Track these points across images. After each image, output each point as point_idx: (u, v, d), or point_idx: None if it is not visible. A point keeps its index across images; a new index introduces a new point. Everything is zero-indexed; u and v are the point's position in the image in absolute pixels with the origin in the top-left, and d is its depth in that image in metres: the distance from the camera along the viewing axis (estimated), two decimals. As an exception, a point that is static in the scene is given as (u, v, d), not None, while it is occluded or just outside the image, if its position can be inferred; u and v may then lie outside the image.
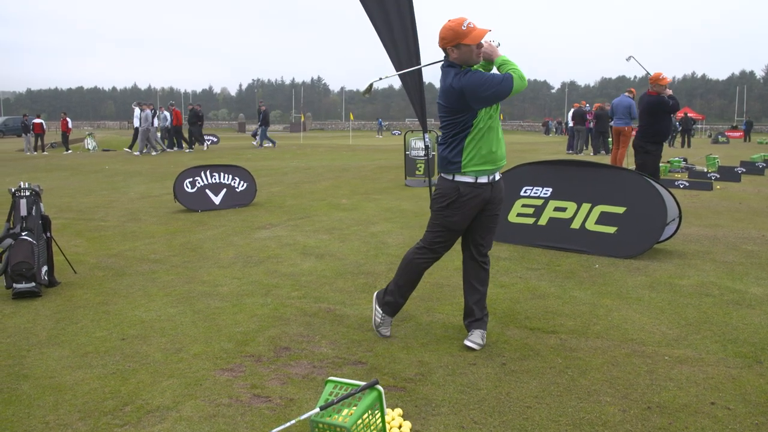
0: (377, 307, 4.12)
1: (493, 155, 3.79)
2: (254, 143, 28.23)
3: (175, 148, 25.42)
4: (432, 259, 3.98)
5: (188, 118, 25.71)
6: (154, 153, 23.68)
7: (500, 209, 3.99)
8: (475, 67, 3.78)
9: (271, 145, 27.86)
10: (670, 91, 8.66)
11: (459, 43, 3.64)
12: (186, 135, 26.24)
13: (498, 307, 4.69)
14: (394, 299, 4.06)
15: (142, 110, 23.31)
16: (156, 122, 24.44)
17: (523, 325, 4.33)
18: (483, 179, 3.80)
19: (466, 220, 3.85)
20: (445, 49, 3.74)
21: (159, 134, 25.37)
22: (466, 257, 4.03)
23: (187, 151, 24.99)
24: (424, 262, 3.98)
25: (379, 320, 4.10)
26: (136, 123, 23.71)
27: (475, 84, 3.62)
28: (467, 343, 3.91)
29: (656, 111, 8.45)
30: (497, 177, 3.90)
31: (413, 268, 4.00)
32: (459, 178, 3.79)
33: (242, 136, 53.13)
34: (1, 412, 3.16)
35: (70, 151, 27.06)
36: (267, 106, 28.47)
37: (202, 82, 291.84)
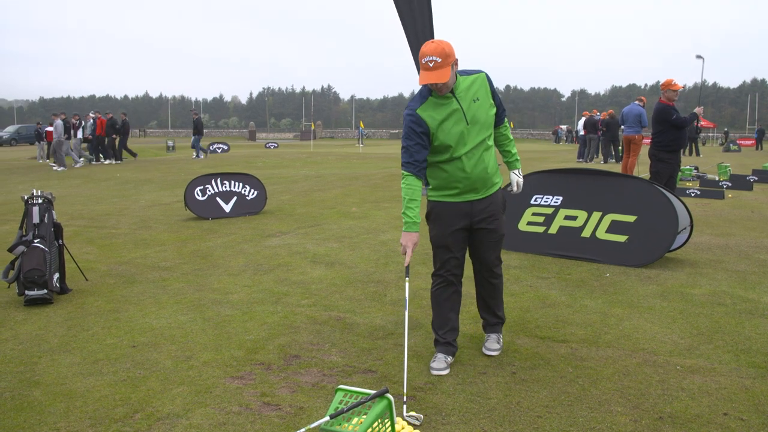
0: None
1: (458, 183, 3.62)
2: (194, 156, 26.36)
3: (108, 161, 23.29)
4: (440, 285, 3.79)
5: (106, 130, 23.48)
6: (76, 165, 21.76)
7: (496, 223, 3.77)
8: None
9: (202, 156, 26.28)
10: (700, 109, 8.52)
11: None
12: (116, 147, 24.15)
13: (508, 315, 4.66)
14: (434, 334, 3.91)
15: (54, 120, 21.41)
16: (80, 133, 22.65)
17: (533, 334, 4.31)
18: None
19: (447, 234, 3.69)
20: None
21: (81, 145, 23.33)
22: (474, 270, 3.98)
23: (114, 163, 23.13)
24: (435, 289, 3.83)
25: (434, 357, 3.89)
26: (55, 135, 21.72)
27: (405, 126, 3.59)
28: (484, 351, 3.95)
29: (662, 120, 8.40)
30: (482, 196, 3.71)
31: (431, 298, 3.88)
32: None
33: (253, 144, 53.43)
34: (12, 418, 3.18)
35: (82, 159, 27.22)
36: (199, 114, 26.93)
37: (212, 90, 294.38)
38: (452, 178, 3.62)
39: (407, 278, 3.58)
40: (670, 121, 8.29)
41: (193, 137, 26.40)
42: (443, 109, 3.53)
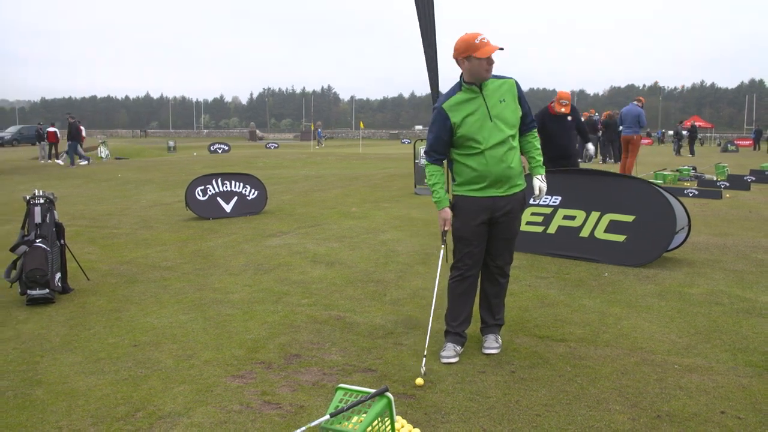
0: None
1: (482, 179, 3.76)
2: (61, 161, 24.53)
3: None
4: (457, 279, 3.92)
5: None
6: None
7: (512, 221, 3.90)
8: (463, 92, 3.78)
9: (85, 162, 24.36)
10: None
11: (470, 55, 3.67)
12: None
13: (507, 315, 4.67)
14: (445, 325, 4.03)
15: None
16: None
17: (532, 333, 4.34)
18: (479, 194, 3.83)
19: (468, 227, 3.82)
20: (457, 61, 3.77)
21: None
22: (483, 266, 4.04)
23: None
24: (452, 282, 3.95)
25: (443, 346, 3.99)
26: None
27: (431, 120, 3.88)
28: (483, 350, 3.98)
29: None
30: (504, 194, 3.83)
31: (447, 291, 4.00)
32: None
33: (253, 145, 53.44)
34: (15, 417, 3.20)
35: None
36: (76, 118, 24.43)
37: (213, 91, 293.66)
38: (475, 173, 3.77)
39: (443, 246, 3.96)
40: None
41: (69, 143, 24.16)
42: (469, 104, 3.76)
